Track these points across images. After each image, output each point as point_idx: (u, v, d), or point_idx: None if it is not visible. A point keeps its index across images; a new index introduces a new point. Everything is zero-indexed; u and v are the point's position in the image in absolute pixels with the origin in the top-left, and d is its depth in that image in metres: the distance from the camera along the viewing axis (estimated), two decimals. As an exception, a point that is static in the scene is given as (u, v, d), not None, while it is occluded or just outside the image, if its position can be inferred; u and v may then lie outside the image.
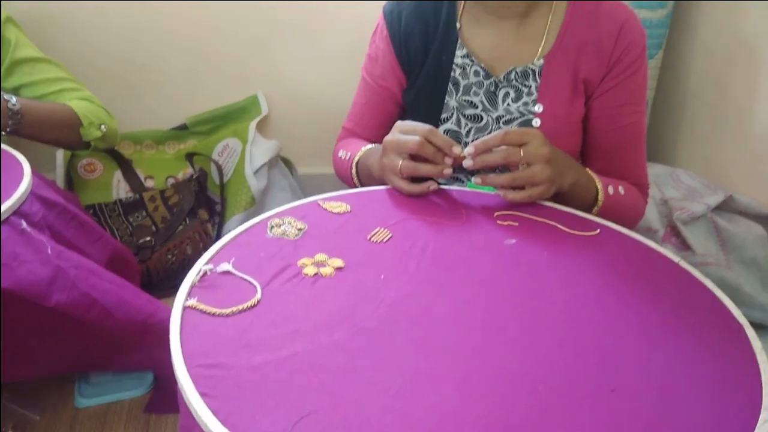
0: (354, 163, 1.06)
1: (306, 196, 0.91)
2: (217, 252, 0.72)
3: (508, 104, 1.03)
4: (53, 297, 0.84)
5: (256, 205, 1.63)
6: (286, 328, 0.60)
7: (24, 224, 0.86)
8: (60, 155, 1.63)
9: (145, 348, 1.02)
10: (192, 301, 0.62)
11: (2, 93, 1.17)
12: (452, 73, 1.05)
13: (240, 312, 0.62)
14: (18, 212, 0.88)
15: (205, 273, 0.67)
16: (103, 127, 1.30)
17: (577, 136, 1.05)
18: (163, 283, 1.48)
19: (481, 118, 1.04)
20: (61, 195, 1.07)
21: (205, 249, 1.51)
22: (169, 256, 1.49)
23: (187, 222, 1.55)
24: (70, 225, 1.03)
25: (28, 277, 0.82)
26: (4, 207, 0.85)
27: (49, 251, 0.87)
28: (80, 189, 1.62)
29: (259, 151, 1.67)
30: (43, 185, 1.01)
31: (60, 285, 0.85)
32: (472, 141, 1.05)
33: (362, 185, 1.06)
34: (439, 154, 0.87)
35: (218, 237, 1.62)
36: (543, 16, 1.02)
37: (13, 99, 1.15)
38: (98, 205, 1.55)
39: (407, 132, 0.89)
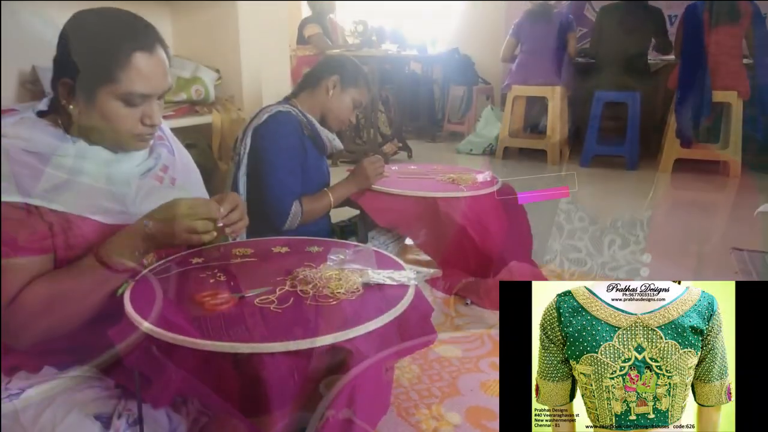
0: None
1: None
2: (337, 395, 0.75)
3: (614, 251, 1.04)
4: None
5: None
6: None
7: (154, 348, 0.93)
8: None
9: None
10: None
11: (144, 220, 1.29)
12: (557, 218, 1.08)
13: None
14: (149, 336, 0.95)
15: (327, 418, 0.70)
16: (219, 243, 1.40)
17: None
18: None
19: (585, 263, 1.06)
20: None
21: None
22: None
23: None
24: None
25: (157, 398, 0.88)
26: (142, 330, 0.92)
27: (173, 375, 0.93)
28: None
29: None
30: (169, 306, 1.09)
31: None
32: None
33: None
34: None
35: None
36: (652, 166, 1.05)
37: (150, 224, 1.27)
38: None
39: None
